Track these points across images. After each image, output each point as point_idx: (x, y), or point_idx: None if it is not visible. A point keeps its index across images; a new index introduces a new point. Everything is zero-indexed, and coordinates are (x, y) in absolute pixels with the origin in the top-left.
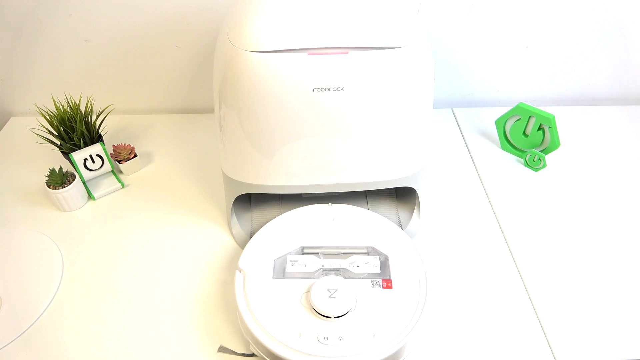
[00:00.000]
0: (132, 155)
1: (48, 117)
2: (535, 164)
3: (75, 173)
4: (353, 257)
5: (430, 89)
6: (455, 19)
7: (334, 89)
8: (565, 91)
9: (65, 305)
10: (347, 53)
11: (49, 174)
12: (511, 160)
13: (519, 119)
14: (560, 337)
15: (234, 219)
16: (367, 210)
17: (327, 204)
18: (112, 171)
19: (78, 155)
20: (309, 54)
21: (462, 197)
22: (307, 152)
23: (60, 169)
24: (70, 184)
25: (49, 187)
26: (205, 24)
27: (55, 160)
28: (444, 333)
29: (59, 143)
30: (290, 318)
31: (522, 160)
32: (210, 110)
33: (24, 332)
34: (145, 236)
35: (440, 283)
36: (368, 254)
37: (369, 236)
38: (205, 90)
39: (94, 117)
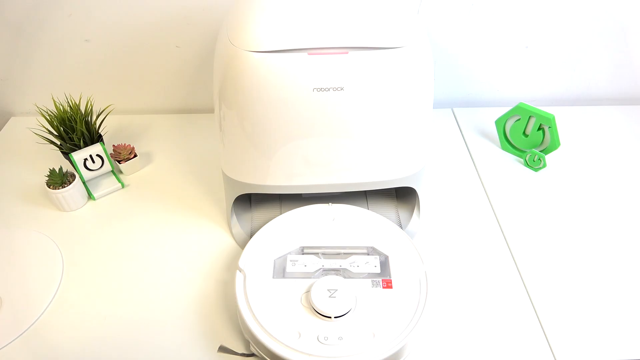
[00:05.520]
0: (132, 155)
1: (48, 117)
2: (535, 164)
3: (75, 173)
4: (353, 257)
5: (430, 89)
6: (455, 19)
7: (334, 89)
8: (565, 91)
9: (65, 305)
10: (347, 53)
11: (49, 174)
12: (511, 160)
13: (519, 119)
14: (560, 337)
15: (234, 219)
16: (367, 210)
17: (327, 204)
18: (112, 171)
19: (78, 155)
20: (309, 54)
21: (462, 197)
22: (307, 152)
23: (60, 169)
24: (70, 184)
25: (49, 187)
26: (205, 24)
27: (55, 160)
28: (444, 333)
29: (59, 143)
30: (290, 318)
31: (522, 160)
32: (210, 110)
33: (24, 332)
34: (145, 236)
35: (440, 283)
36: (368, 254)
37: (369, 236)
38: (205, 90)
39: (94, 117)
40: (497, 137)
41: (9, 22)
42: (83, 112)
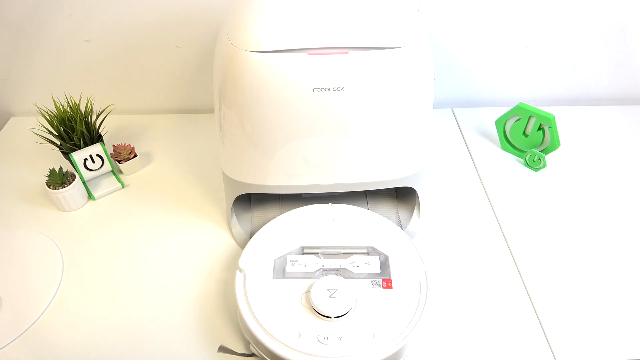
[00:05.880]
0: (132, 155)
1: (48, 117)
2: (535, 164)
3: (75, 173)
4: (353, 257)
5: (430, 89)
6: (455, 19)
7: (334, 89)
8: (565, 91)
9: (65, 305)
10: (347, 53)
11: (49, 174)
12: (511, 160)
13: (519, 119)
14: (560, 337)
15: (234, 219)
16: (367, 210)
17: (327, 204)
18: (112, 171)
19: (78, 155)
20: (309, 54)
21: (462, 197)
22: (307, 152)
23: (60, 169)
24: (70, 184)
25: (49, 187)
26: (205, 24)
27: (55, 160)
28: (444, 333)
29: (59, 143)
30: (290, 318)
31: (522, 160)
32: (210, 110)
33: (24, 332)
34: (145, 236)
35: (440, 283)
36: (368, 254)
37: (369, 236)
38: (205, 90)
39: (94, 117)
40: (497, 137)
41: (9, 22)
42: (83, 112)
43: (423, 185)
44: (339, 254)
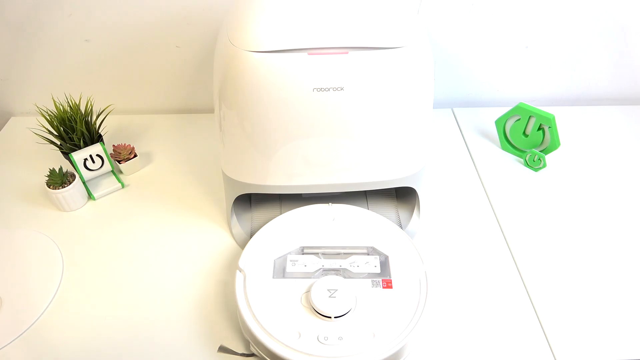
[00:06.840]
0: (132, 155)
1: (48, 117)
2: (535, 164)
3: (75, 173)
4: (353, 257)
5: (430, 89)
6: (455, 19)
7: (334, 89)
8: (565, 91)
9: (65, 305)
10: (347, 53)
11: (49, 174)
12: (511, 160)
13: (519, 119)
14: (560, 337)
15: (234, 219)
16: (367, 210)
17: (327, 204)
18: (112, 171)
19: (78, 155)
20: (309, 54)
21: (462, 197)
22: (307, 152)
23: (60, 169)
24: (70, 184)
25: (49, 187)
26: (205, 24)
27: (55, 160)
28: (444, 333)
29: (59, 143)
30: (290, 318)
31: (522, 160)
32: (210, 110)
33: (24, 332)
34: (145, 236)
35: (440, 283)
36: (368, 254)
37: (369, 236)
38: (205, 90)
39: (94, 117)
40: (497, 137)
41: (9, 22)
42: (83, 112)
43: (423, 185)
44: (339, 254)
